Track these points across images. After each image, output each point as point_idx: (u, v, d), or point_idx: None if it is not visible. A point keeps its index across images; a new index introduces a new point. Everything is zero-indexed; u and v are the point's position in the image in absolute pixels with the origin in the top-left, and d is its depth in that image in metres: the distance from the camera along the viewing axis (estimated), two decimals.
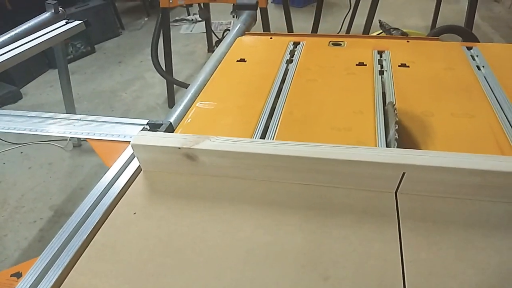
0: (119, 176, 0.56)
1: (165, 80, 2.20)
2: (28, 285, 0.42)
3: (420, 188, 0.48)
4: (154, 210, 0.50)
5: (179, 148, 0.50)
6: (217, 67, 0.83)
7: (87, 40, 2.80)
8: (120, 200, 0.52)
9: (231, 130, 0.63)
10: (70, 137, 1.99)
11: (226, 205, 0.49)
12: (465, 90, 0.70)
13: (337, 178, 0.49)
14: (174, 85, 2.22)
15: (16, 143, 2.03)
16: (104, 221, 0.49)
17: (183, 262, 0.43)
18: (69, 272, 0.43)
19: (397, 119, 0.55)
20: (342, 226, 0.45)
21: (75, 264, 0.44)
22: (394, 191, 0.49)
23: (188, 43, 2.96)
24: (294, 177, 0.51)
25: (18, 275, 0.46)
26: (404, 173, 0.46)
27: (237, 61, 0.83)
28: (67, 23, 1.00)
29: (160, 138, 0.51)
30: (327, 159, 0.47)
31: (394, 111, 0.57)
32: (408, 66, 0.78)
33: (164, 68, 2.10)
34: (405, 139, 0.58)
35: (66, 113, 0.72)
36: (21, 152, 1.99)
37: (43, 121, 0.69)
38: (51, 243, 0.47)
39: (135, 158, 0.57)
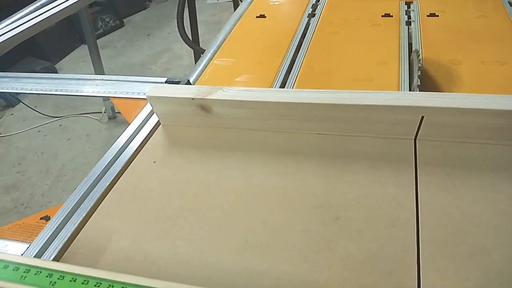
0: (139, 130, 0.58)
1: (193, 51, 2.21)
2: (55, 227, 0.45)
3: (440, 134, 0.46)
4: (172, 160, 0.51)
5: (192, 98, 0.50)
6: None
7: (116, 14, 2.84)
8: (141, 151, 0.54)
9: (248, 85, 0.63)
10: (105, 110, 2.07)
11: (240, 155, 0.50)
12: (499, 38, 0.65)
13: (354, 126, 0.49)
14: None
15: (55, 116, 2.14)
16: (126, 170, 0.51)
17: (199, 206, 0.44)
18: (91, 215, 0.46)
19: (420, 65, 0.53)
20: (356, 171, 0.45)
21: (97, 207, 0.47)
22: (413, 137, 0.47)
23: (215, 12, 2.94)
24: (309, 127, 0.51)
25: (47, 218, 0.49)
26: (423, 117, 0.44)
27: (257, 17, 0.82)
28: None
29: (173, 90, 0.52)
30: (343, 104, 0.46)
31: (418, 58, 0.55)
32: (438, 16, 0.73)
33: (190, 38, 2.10)
34: (430, 87, 0.56)
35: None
36: (60, 125, 2.10)
37: (67, 82, 0.72)
38: (76, 190, 0.50)
39: (154, 114, 0.59)
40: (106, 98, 1.96)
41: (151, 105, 0.54)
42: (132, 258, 0.40)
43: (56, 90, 0.71)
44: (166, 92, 0.51)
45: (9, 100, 2.26)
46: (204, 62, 0.73)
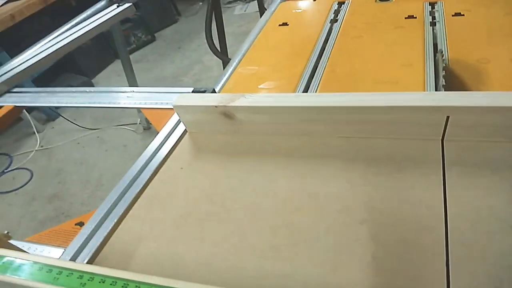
0: (167, 139, 0.59)
1: (222, 62, 2.24)
2: (89, 231, 0.47)
3: (467, 133, 0.44)
4: (198, 165, 0.52)
5: (215, 106, 0.51)
6: None
7: (147, 29, 2.94)
8: (168, 158, 0.55)
9: (271, 91, 0.63)
10: (140, 121, 2.13)
11: (264, 159, 0.50)
12: None
13: (378, 128, 0.48)
14: None
15: (92, 128, 2.23)
16: (154, 177, 0.53)
17: (224, 210, 0.45)
18: (122, 220, 0.47)
19: (445, 65, 0.51)
20: (381, 174, 0.44)
21: (127, 213, 0.48)
22: (440, 138, 0.46)
23: (243, 23, 2.98)
24: (333, 130, 0.50)
25: (81, 224, 0.51)
26: (448, 117, 0.43)
27: (279, 25, 0.83)
28: (118, 6, 1.06)
29: (197, 99, 0.53)
30: (366, 107, 0.45)
31: (443, 58, 0.53)
32: (463, 15, 0.71)
33: (219, 49, 2.13)
34: (458, 87, 0.54)
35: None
36: (98, 137, 2.18)
37: (99, 95, 0.75)
38: (108, 197, 0.52)
39: (182, 123, 0.60)
40: (140, 110, 2.03)
41: (177, 114, 0.56)
42: (160, 262, 0.41)
43: (89, 103, 0.74)
44: (190, 101, 0.53)
45: (50, 114, 2.39)
46: (230, 71, 0.74)
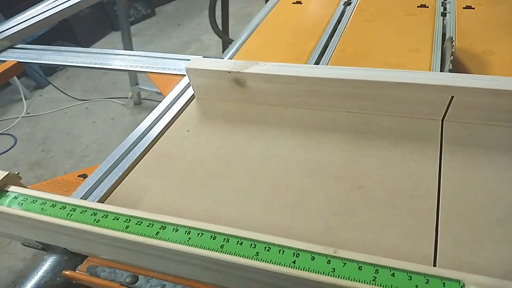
0: (174, 102, 0.63)
1: (221, 42, 2.27)
2: (93, 183, 0.51)
3: (469, 115, 0.49)
4: (205, 129, 0.56)
5: (228, 72, 0.55)
6: None
7: (148, 3, 2.95)
8: (175, 121, 0.59)
9: None
10: (131, 95, 2.15)
11: (270, 128, 0.54)
12: None
13: (383, 105, 0.52)
14: None
15: (82, 99, 2.25)
16: (161, 136, 0.56)
17: (228, 171, 0.49)
18: (127, 174, 0.51)
19: (453, 50, 0.56)
20: (380, 147, 0.48)
21: (133, 168, 0.52)
22: (441, 118, 0.50)
23: (246, 5, 3.00)
24: (339, 105, 0.54)
25: (84, 176, 0.55)
26: (452, 97, 0.47)
27: (293, 3, 0.86)
28: None
29: (212, 63, 0.57)
30: (375, 81, 0.49)
31: (452, 44, 0.58)
32: (474, 8, 0.76)
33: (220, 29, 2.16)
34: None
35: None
36: (86, 108, 2.20)
37: (106, 57, 0.78)
38: (113, 152, 0.55)
39: (189, 88, 0.64)
40: (134, 84, 2.05)
41: (188, 77, 0.59)
42: (164, 213, 0.45)
43: (95, 64, 0.77)
44: (204, 65, 0.56)
45: (39, 82, 2.39)
46: (238, 43, 0.78)
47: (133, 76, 2.03)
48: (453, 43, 0.57)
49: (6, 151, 1.95)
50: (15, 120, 2.14)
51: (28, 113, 2.20)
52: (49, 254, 0.49)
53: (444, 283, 0.28)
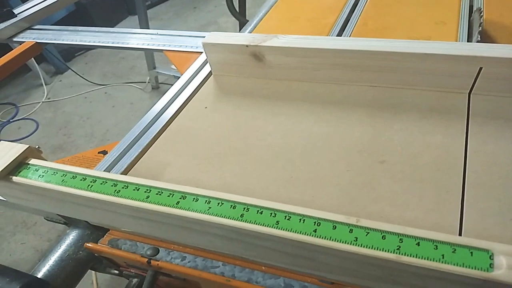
0: (192, 79, 0.63)
1: (238, 24, 2.25)
2: (113, 159, 0.51)
3: (497, 88, 0.47)
4: (223, 106, 0.56)
5: (246, 46, 0.54)
6: None
7: None
8: (193, 98, 0.59)
9: None
10: (149, 80, 2.17)
11: (289, 104, 0.54)
12: None
13: (408, 78, 0.50)
14: None
15: (101, 84, 2.27)
16: (179, 113, 0.56)
17: (247, 146, 0.48)
18: (147, 150, 0.51)
19: (481, 22, 0.53)
20: (405, 121, 0.47)
21: (152, 144, 0.52)
22: (468, 91, 0.49)
23: None
24: (361, 78, 0.53)
25: (104, 152, 0.55)
26: (481, 68, 0.45)
27: None
28: None
29: (229, 37, 0.56)
30: (400, 52, 0.48)
31: (480, 15, 0.55)
32: None
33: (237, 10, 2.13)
34: None
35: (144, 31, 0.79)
36: (105, 93, 2.23)
37: (123, 36, 0.78)
38: (132, 129, 0.56)
39: (206, 65, 0.64)
40: (151, 68, 2.06)
41: (205, 53, 0.59)
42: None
43: (113, 43, 0.77)
44: (221, 39, 0.56)
45: (59, 67, 2.43)
46: (256, 20, 0.77)
47: (151, 60, 2.04)
48: (482, 14, 0.55)
49: (29, 135, 2.00)
50: (36, 105, 2.19)
51: (48, 98, 2.24)
52: (71, 229, 0.51)
53: (472, 252, 0.27)
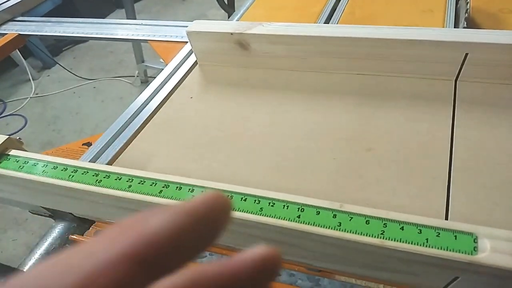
0: (177, 70, 0.62)
1: (227, 17, 2.23)
2: (97, 151, 0.50)
3: (483, 74, 0.47)
4: (208, 96, 0.55)
5: (231, 34, 0.53)
6: None
7: None
8: (178, 88, 0.58)
9: None
10: (138, 73, 2.14)
11: (275, 93, 0.53)
12: None
13: (395, 65, 0.50)
14: None
15: (89, 79, 2.24)
16: (164, 103, 0.55)
17: (233, 135, 0.48)
18: (132, 141, 0.50)
19: (468, 7, 0.53)
20: (392, 108, 0.47)
21: (137, 135, 0.51)
22: (454, 78, 0.48)
23: None
24: (348, 66, 0.52)
25: (88, 144, 0.54)
26: (467, 54, 0.45)
27: None
28: None
29: (213, 25, 0.55)
30: (385, 39, 0.47)
31: (467, 1, 0.55)
32: None
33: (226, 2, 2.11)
34: None
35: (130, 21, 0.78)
36: (94, 87, 2.20)
37: (109, 27, 0.77)
38: (116, 120, 0.55)
39: (192, 55, 0.63)
40: (140, 61, 2.03)
41: (189, 41, 0.58)
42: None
43: (97, 34, 0.76)
44: (206, 27, 0.55)
45: (46, 62, 2.39)
46: (243, 10, 0.76)
47: (139, 53, 2.01)
48: (468, 1, 0.54)
49: (18, 131, 1.96)
50: (24, 101, 2.15)
51: (36, 94, 2.21)
52: (57, 222, 0.50)
53: (456, 236, 0.27)
